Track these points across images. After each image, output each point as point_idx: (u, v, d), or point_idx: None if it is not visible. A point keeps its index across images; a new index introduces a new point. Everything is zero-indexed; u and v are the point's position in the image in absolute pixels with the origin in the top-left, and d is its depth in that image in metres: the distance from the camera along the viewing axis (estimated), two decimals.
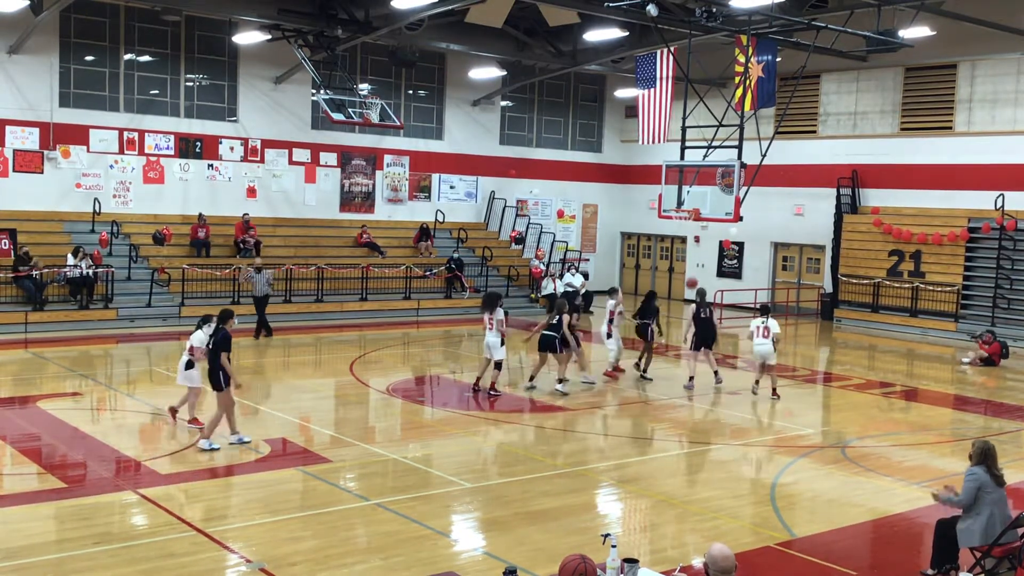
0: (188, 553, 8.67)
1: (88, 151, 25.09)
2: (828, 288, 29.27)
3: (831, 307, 28.55)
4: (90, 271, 22.37)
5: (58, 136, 24.57)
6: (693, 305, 17.81)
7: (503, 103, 32.45)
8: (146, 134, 25.93)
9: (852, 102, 29.28)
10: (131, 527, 9.61)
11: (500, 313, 16.28)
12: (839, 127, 29.68)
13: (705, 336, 17.41)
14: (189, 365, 13.06)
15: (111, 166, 25.46)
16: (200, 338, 12.82)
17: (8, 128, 23.96)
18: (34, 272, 21.94)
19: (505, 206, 32.11)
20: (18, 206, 23.82)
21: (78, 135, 24.93)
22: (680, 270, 33.76)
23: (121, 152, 25.60)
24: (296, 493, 10.88)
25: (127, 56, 25.63)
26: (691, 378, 17.48)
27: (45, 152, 24.47)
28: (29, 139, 24.27)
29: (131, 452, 12.17)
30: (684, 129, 20.53)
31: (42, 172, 24.49)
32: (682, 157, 20.55)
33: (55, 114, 24.50)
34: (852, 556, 9.37)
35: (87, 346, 20.25)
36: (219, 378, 12.07)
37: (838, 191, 28.82)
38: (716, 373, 17.48)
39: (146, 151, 25.98)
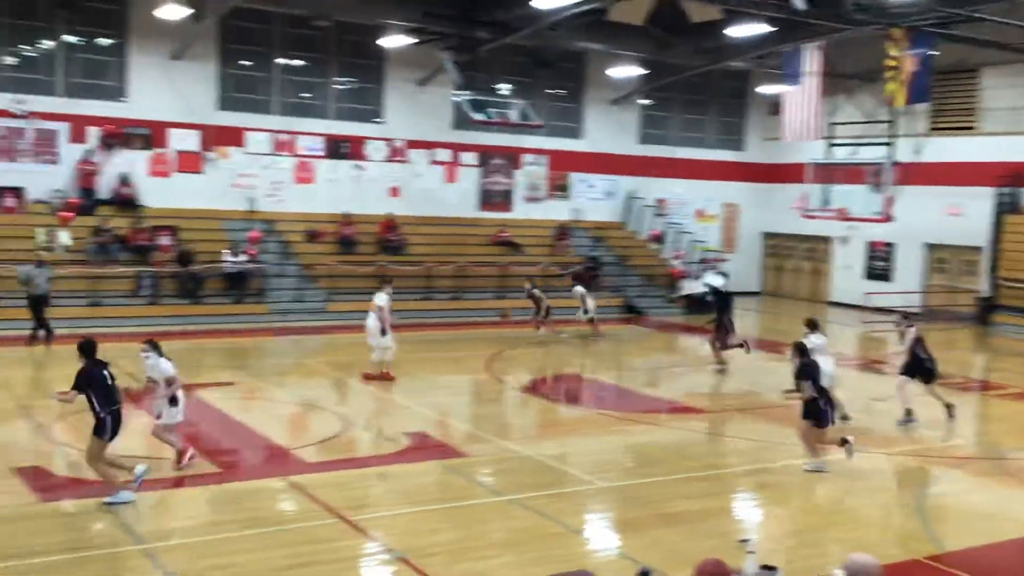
0: (332, 540, 8.99)
1: (244, 152, 26.30)
2: (985, 292, 27.82)
3: (988, 312, 27.12)
4: (244, 267, 23.43)
5: (217, 138, 25.85)
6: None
7: (642, 101, 32.18)
8: (298, 136, 26.99)
9: (1014, 97, 27.70)
10: (279, 512, 10.03)
11: (381, 298, 16.33)
12: (999, 123, 28.13)
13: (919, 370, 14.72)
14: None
15: (265, 167, 26.60)
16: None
17: (171, 131, 25.35)
18: (193, 268, 23.15)
19: (644, 205, 31.87)
20: (179, 204, 25.15)
21: (234, 137, 26.14)
22: (825, 272, 32.74)
23: (274, 153, 26.72)
24: (435, 486, 11.11)
25: (281, 61, 26.72)
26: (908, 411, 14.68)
27: (204, 153, 25.79)
28: (190, 141, 25.62)
29: (281, 440, 12.70)
30: (831, 126, 19.87)
31: (202, 172, 25.81)
32: (829, 155, 19.93)
33: (214, 117, 25.77)
34: (1007, 573, 8.90)
35: (241, 338, 21.22)
36: None
37: (998, 190, 27.34)
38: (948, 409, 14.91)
39: (298, 152, 27.04)
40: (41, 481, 10.45)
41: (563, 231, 29.49)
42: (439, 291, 25.93)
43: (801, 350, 12.17)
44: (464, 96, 25.40)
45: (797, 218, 27.30)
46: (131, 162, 24.89)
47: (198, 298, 23.03)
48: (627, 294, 28.18)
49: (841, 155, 19.82)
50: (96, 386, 9.77)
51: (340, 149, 27.55)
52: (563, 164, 30.94)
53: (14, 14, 23.42)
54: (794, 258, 34.16)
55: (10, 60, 23.56)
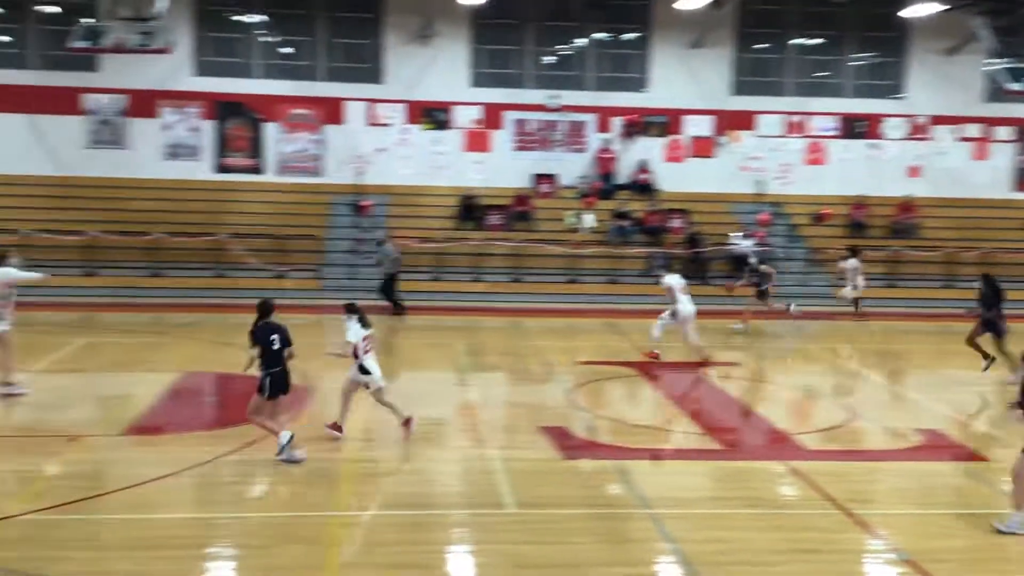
0: (831, 530, 8.78)
1: (754, 135, 26.45)
2: None
3: None
4: (752, 250, 23.59)
5: (729, 122, 26.32)
6: None
7: None
8: (810, 117, 26.47)
9: None
10: (778, 496, 10.02)
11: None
12: None
13: None
14: None
15: (774, 149, 26.50)
16: None
17: (686, 117, 26.33)
18: (701, 250, 23.88)
19: None
20: (691, 188, 26.05)
21: (746, 121, 26.40)
22: None
23: (785, 135, 26.51)
24: (948, 488, 10.31)
25: (796, 41, 26.38)
26: None
27: (717, 138, 26.41)
28: (703, 126, 26.40)
29: (783, 425, 12.66)
30: None
31: (713, 156, 26.47)
32: None
33: (727, 102, 26.26)
34: None
35: (742, 320, 21.36)
36: None
37: None
38: None
39: (809, 133, 26.54)
40: (563, 440, 11.53)
41: None
42: (960, 279, 23.80)
43: None
44: (999, 64, 22.93)
45: None
46: (648, 149, 26.33)
47: (705, 279, 23.70)
48: None
49: None
50: (263, 347, 10.16)
51: (855, 128, 26.50)
52: None
53: (552, 16, 25.96)
54: None
55: (547, 59, 26.17)
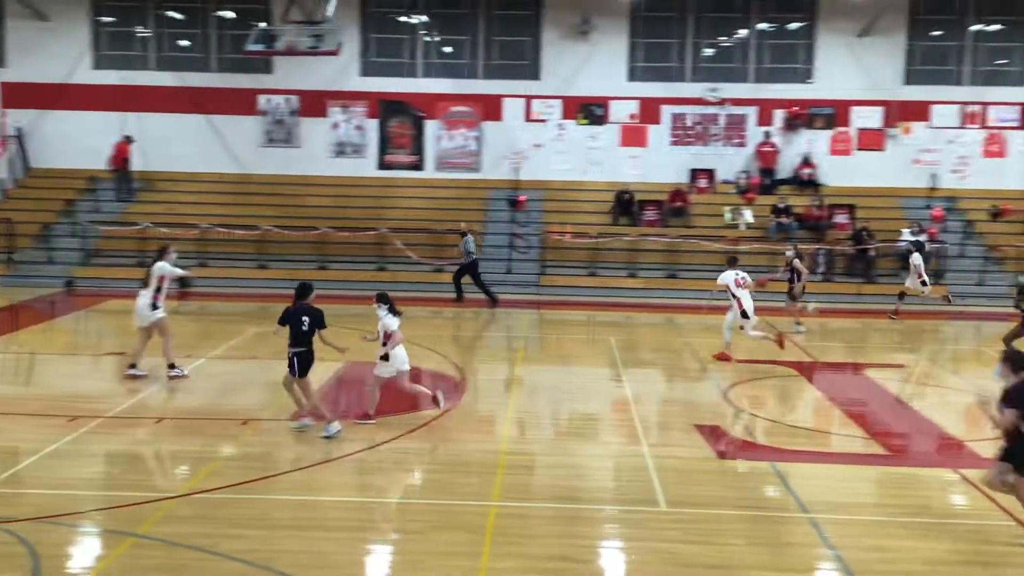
0: (1008, 543, 8.30)
1: (928, 127, 25.21)
2: None
3: None
4: (925, 247, 22.54)
5: (900, 113, 25.18)
6: None
7: None
8: (988, 107, 25.02)
9: None
10: (948, 505, 9.55)
11: None
12: None
13: None
14: None
15: (950, 141, 25.19)
16: None
17: (853, 108, 25.35)
18: (869, 247, 22.95)
19: None
20: (858, 183, 25.08)
21: (919, 111, 25.20)
22: None
23: (962, 126, 25.15)
24: None
25: (974, 27, 24.98)
26: None
27: (886, 130, 25.32)
28: (872, 118, 25.35)
29: (954, 431, 12.05)
30: None
31: (882, 149, 25.38)
32: None
33: (899, 92, 25.12)
34: None
35: (909, 320, 20.45)
36: None
37: None
38: None
39: (987, 124, 25.09)
40: (718, 440, 11.35)
41: None
42: None
43: None
44: None
45: None
46: (812, 142, 25.51)
47: (871, 277, 22.79)
48: None
49: None
50: (290, 327, 10.68)
51: None
52: None
53: (712, 7, 25.50)
54: None
55: (707, 51, 25.73)
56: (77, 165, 25.62)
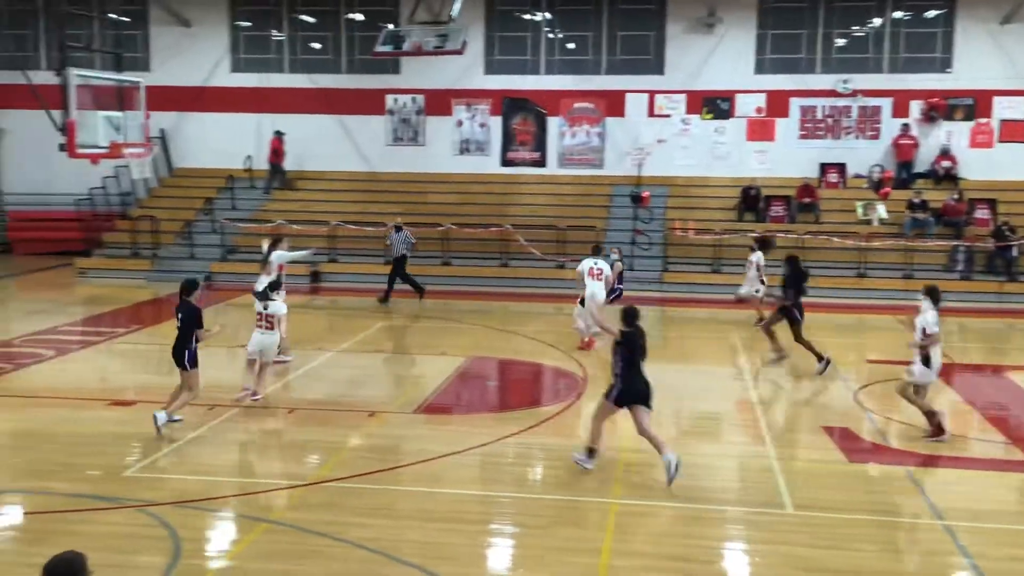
0: None
1: None
2: None
3: None
4: None
5: None
6: None
7: None
8: None
9: None
10: None
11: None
12: None
13: None
14: None
15: None
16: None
17: (997, 99, 24.16)
18: (1013, 244, 21.85)
19: None
20: (1000, 176, 23.89)
21: None
22: None
23: None
24: None
25: None
26: None
27: None
28: (1015, 108, 24.11)
29: None
30: None
31: None
32: None
33: None
34: None
35: None
36: None
37: None
38: None
39: None
40: (848, 442, 11.02)
41: None
42: None
43: None
44: None
45: None
46: (951, 134, 24.44)
47: (1013, 275, 21.67)
48: None
49: None
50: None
51: None
52: None
53: None
54: None
55: (839, 42, 24.94)
56: (216, 165, 26.76)
